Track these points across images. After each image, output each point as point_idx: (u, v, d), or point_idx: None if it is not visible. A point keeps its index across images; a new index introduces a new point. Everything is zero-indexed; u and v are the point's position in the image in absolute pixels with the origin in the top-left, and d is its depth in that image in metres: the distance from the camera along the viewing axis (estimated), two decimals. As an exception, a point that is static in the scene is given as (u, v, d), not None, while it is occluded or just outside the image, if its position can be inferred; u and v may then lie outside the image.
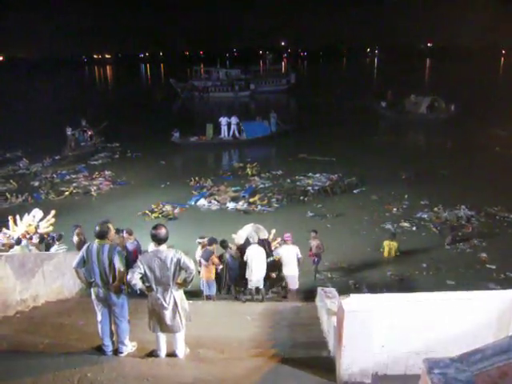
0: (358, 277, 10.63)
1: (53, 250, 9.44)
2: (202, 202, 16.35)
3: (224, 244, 8.96)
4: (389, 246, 11.35)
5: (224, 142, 25.74)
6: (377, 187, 17.16)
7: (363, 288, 9.95)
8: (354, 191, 17.13)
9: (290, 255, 8.86)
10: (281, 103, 49.26)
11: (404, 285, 10.28)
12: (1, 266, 6.68)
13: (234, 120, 26.01)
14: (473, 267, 11.18)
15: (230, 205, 15.97)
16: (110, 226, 5.03)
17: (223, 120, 25.97)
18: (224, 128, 25.93)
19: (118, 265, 4.78)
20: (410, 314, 4.21)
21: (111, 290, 4.87)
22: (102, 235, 4.90)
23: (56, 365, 4.76)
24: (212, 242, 8.79)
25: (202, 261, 8.59)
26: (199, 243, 9.03)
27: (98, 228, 4.90)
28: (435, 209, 14.86)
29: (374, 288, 9.77)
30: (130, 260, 7.14)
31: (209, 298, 8.69)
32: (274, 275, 9.07)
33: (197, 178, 18.98)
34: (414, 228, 13.67)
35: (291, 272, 8.89)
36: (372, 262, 11.41)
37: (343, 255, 11.69)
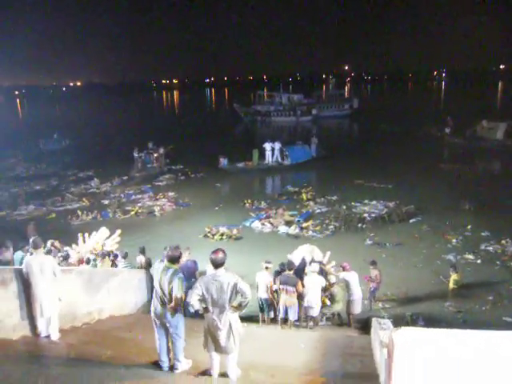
0: (415, 309, 10.31)
1: (119, 266, 10.00)
2: (257, 223, 16.64)
3: (290, 266, 8.81)
4: (454, 278, 11.01)
5: (269, 167, 26.25)
6: (436, 217, 16.63)
7: (419, 320, 9.67)
8: (412, 220, 16.65)
9: (355, 280, 9.04)
10: (342, 128, 49.13)
11: (461, 318, 9.94)
12: (71, 280, 7.24)
13: (277, 145, 26.52)
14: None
15: (282, 228, 16.12)
16: (182, 252, 5.35)
17: (267, 145, 26.51)
18: (268, 153, 26.46)
19: (176, 291, 5.02)
20: (463, 352, 4.11)
21: (167, 310, 5.16)
22: (172, 259, 5.20)
23: (117, 375, 5.11)
24: (292, 266, 8.73)
25: (288, 288, 8.45)
26: (266, 268, 9.05)
27: (170, 252, 5.23)
28: (502, 241, 14.17)
29: (432, 321, 9.48)
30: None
31: (285, 321, 8.67)
32: (328, 302, 9.08)
33: (249, 201, 19.37)
34: (479, 261, 13.11)
35: (357, 296, 9.05)
36: (430, 294, 11.05)
37: (400, 286, 11.40)
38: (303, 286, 8.60)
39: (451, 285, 11.05)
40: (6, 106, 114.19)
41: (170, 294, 5.08)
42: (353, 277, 9.07)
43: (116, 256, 10.65)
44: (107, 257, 10.50)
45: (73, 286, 7.21)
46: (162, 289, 5.13)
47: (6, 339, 5.93)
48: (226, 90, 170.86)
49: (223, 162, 25.67)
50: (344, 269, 9.18)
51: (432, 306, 10.55)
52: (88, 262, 10.14)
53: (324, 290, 8.91)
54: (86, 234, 12.00)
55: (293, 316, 8.59)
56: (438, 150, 31.59)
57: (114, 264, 10.28)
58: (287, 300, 8.51)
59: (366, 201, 18.83)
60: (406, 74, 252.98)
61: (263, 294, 8.90)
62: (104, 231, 12.23)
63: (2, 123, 51.02)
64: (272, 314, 9.06)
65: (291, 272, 8.64)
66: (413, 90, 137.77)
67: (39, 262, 6.14)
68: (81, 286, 7.42)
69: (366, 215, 17.24)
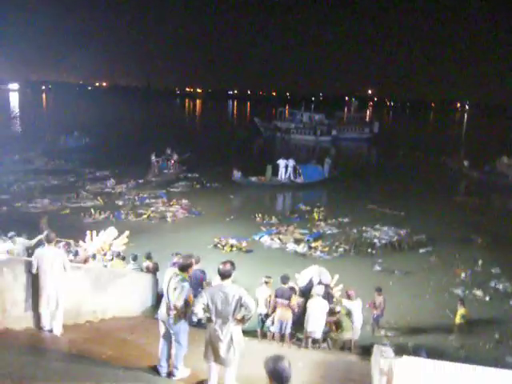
0: (418, 340, 10.18)
1: (128, 268, 10.09)
2: (266, 238, 16.64)
3: (285, 280, 8.89)
4: (461, 313, 10.86)
5: (282, 183, 26.25)
6: (447, 249, 16.44)
7: (421, 352, 9.55)
8: (422, 250, 16.43)
9: (358, 309, 9.02)
10: (360, 151, 49.07)
11: (464, 353, 9.78)
12: (80, 277, 7.32)
13: (291, 163, 26.48)
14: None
15: (290, 246, 16.09)
16: (193, 261, 5.42)
17: (282, 162, 26.49)
18: (282, 170, 26.44)
19: (176, 298, 5.11)
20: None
21: (171, 316, 5.21)
22: (182, 267, 5.29)
23: (115, 376, 5.17)
24: (286, 280, 8.79)
25: (282, 300, 8.55)
26: (266, 283, 9.11)
27: (182, 260, 5.32)
28: (515, 280, 13.94)
29: (434, 353, 9.34)
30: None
31: (282, 337, 8.63)
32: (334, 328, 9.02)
33: (260, 215, 19.42)
34: (488, 298, 12.92)
35: (358, 323, 9.02)
36: (435, 327, 10.91)
37: (405, 315, 11.29)
38: (305, 308, 8.60)
39: (457, 319, 10.88)
40: (32, 100, 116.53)
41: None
42: (356, 305, 9.03)
43: (123, 258, 10.76)
44: (119, 257, 10.62)
45: (80, 283, 7.29)
46: (168, 294, 5.20)
47: (10, 329, 6.03)
48: (248, 104, 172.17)
49: (237, 174, 25.76)
50: (349, 297, 9.13)
51: (435, 339, 10.42)
52: (94, 257, 10.31)
53: (330, 314, 8.85)
54: (94, 232, 12.10)
55: (287, 330, 8.57)
56: (455, 182, 31.38)
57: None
58: (282, 314, 8.52)
59: (378, 226, 18.68)
60: (428, 103, 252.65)
61: (262, 309, 8.91)
62: (112, 231, 12.30)
63: (26, 116, 51.95)
64: (272, 330, 9.04)
65: (286, 286, 8.66)
66: (434, 119, 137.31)
67: (51, 255, 6.24)
68: (88, 283, 7.49)
69: (376, 241, 17.11)
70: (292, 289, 9.01)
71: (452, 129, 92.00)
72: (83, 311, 7.38)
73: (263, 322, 9.03)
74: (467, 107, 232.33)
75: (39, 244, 9.07)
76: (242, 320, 5.03)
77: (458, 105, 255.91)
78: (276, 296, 8.62)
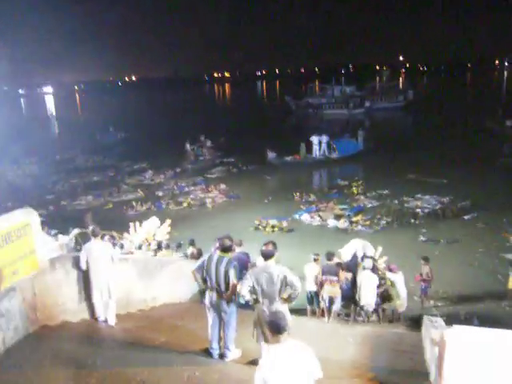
0: (469, 308, 9.97)
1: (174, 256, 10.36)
2: (306, 216, 16.61)
3: (330, 256, 8.90)
4: None
5: (316, 160, 26.02)
6: (494, 213, 15.90)
7: (473, 320, 9.36)
8: (467, 216, 15.99)
9: (401, 281, 8.92)
10: (396, 121, 47.82)
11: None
12: (128, 268, 7.57)
13: (324, 139, 26.22)
14: None
15: (331, 222, 16.01)
16: (233, 240, 5.51)
17: (315, 139, 26.22)
18: (315, 147, 26.20)
19: (232, 278, 5.20)
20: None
21: (223, 299, 5.31)
22: (225, 249, 5.38)
23: (169, 361, 5.34)
24: (331, 256, 8.84)
25: (330, 277, 8.59)
26: (315, 260, 9.16)
27: (222, 242, 5.40)
28: None
29: (487, 321, 9.14)
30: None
31: (329, 312, 8.68)
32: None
33: (298, 194, 19.35)
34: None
35: (405, 295, 8.95)
36: (486, 294, 10.63)
37: (454, 284, 11.06)
38: (354, 283, 8.59)
39: (510, 284, 10.59)
40: (67, 101, 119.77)
41: (227, 283, 5.24)
42: (399, 278, 8.93)
43: (168, 246, 11.02)
44: (167, 248, 10.90)
45: (129, 273, 7.54)
46: (217, 278, 5.28)
47: (68, 321, 6.32)
48: (278, 83, 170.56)
49: (271, 155, 25.69)
50: (391, 270, 9.04)
51: (487, 306, 10.17)
52: (140, 247, 10.62)
53: (378, 286, 8.82)
54: (138, 224, 12.38)
55: (336, 306, 8.59)
56: (498, 143, 30.16)
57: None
58: (331, 290, 8.53)
59: (419, 195, 18.29)
60: (464, 64, 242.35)
61: (311, 287, 8.93)
62: (155, 221, 12.56)
63: (63, 117, 53.53)
64: (321, 306, 9.06)
65: (331, 262, 8.67)
66: (472, 80, 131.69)
67: (98, 249, 6.49)
68: (136, 273, 7.74)
69: (418, 210, 16.77)
70: (338, 264, 9.00)
71: (491, 88, 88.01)
72: (134, 300, 7.64)
73: (312, 298, 9.07)
74: (506, 64, 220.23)
75: (85, 239, 9.39)
76: (289, 299, 5.08)
77: (497, 62, 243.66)
78: (323, 273, 8.64)
